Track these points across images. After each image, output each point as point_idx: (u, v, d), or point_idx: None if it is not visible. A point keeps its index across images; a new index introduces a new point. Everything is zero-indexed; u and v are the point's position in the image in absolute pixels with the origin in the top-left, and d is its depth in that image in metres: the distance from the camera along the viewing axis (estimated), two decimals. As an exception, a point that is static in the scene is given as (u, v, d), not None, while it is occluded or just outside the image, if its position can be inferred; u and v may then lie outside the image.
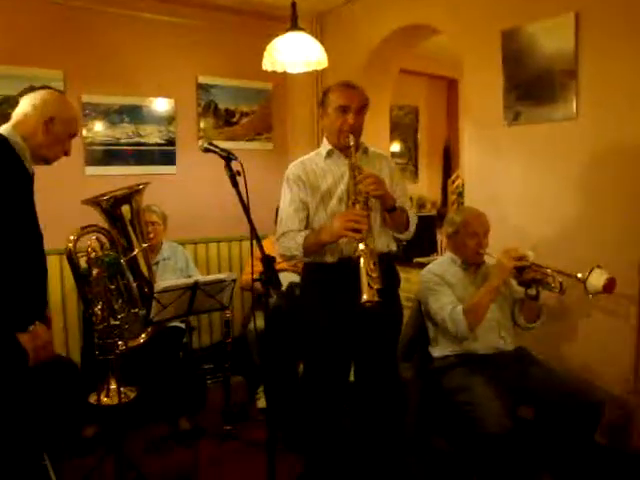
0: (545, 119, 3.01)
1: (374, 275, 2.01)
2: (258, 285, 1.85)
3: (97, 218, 2.70)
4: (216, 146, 1.96)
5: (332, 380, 2.37)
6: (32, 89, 2.09)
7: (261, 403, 3.51)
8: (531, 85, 3.05)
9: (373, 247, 2.11)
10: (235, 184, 1.89)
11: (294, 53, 3.12)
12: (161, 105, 4.05)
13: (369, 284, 1.99)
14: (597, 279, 2.25)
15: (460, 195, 5.20)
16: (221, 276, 3.07)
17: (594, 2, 2.77)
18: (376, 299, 1.98)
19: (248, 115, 4.44)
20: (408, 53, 4.35)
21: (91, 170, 3.78)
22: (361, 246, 2.04)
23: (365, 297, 1.98)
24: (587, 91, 2.84)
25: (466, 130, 3.59)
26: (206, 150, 1.97)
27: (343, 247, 2.26)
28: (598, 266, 2.28)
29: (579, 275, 2.29)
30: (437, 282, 2.58)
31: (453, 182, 5.91)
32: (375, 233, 2.25)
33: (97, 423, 3.02)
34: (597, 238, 2.80)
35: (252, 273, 1.88)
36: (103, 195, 2.67)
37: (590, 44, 2.81)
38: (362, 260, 2.02)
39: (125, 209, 2.72)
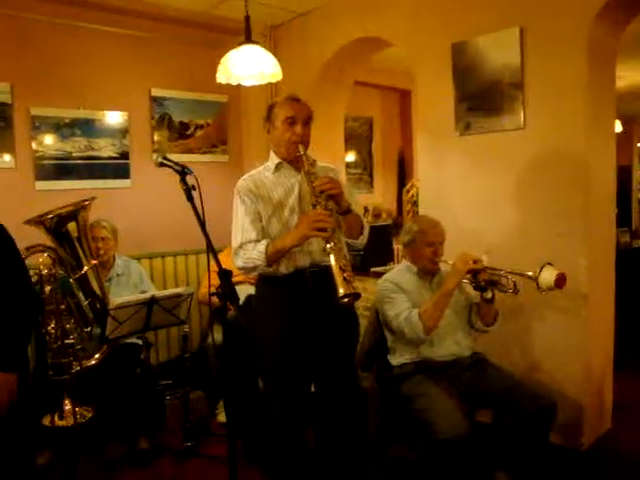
0: (495, 129, 3.11)
1: (348, 269, 2.02)
2: (216, 299, 1.84)
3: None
4: (170, 160, 1.95)
5: (291, 393, 2.35)
6: None
7: (221, 417, 3.47)
8: (481, 96, 3.14)
9: (341, 245, 2.12)
10: (190, 198, 1.88)
11: (248, 66, 3.12)
12: (114, 118, 3.98)
13: (345, 278, 1.98)
14: (548, 275, 2.33)
15: (415, 204, 5.28)
16: (178, 290, 3.04)
17: (537, 17, 2.88)
18: (352, 291, 1.98)
19: (203, 128, 4.41)
20: (361, 65, 4.41)
21: (41, 185, 3.67)
22: (328, 245, 2.05)
23: (342, 291, 1.97)
24: (533, 102, 2.95)
25: (420, 140, 3.66)
26: (161, 165, 1.95)
27: (298, 257, 2.27)
28: (548, 263, 2.37)
29: (530, 273, 2.36)
30: (393, 290, 2.61)
31: (408, 191, 5.99)
32: None
33: (50, 448, 2.91)
34: (545, 240, 2.90)
35: (209, 287, 1.86)
36: (47, 214, 2.59)
37: (535, 57, 2.92)
38: (332, 257, 2.02)
39: (71, 226, 2.65)
